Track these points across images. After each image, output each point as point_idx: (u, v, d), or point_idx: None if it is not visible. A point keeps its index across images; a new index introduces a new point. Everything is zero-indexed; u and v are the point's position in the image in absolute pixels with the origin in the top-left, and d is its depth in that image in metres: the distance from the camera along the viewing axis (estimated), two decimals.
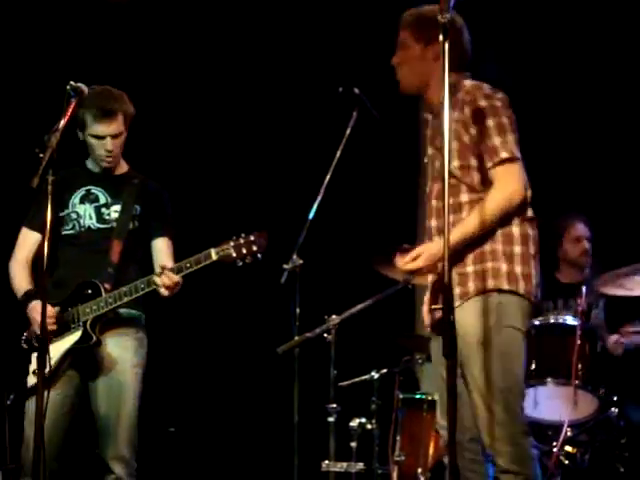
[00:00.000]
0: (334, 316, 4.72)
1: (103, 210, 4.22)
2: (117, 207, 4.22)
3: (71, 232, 4.20)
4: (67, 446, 4.14)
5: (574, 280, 5.47)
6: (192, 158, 6.32)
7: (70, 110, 3.52)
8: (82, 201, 4.22)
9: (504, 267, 3.45)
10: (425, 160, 3.73)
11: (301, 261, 4.76)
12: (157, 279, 4.00)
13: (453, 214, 3.46)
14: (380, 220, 6.06)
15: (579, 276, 5.47)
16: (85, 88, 3.59)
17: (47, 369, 3.86)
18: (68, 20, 5.88)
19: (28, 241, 4.26)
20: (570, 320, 4.79)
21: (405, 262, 3.52)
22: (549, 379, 4.70)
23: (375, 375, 5.09)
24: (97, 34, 5.98)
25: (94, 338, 4.05)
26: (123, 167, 4.33)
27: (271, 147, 6.27)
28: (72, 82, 3.58)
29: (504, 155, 3.42)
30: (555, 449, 4.51)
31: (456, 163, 3.51)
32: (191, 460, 6.20)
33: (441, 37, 3.07)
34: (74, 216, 4.21)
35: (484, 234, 3.45)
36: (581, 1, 5.92)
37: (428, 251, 3.47)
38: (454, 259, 3.36)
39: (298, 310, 4.78)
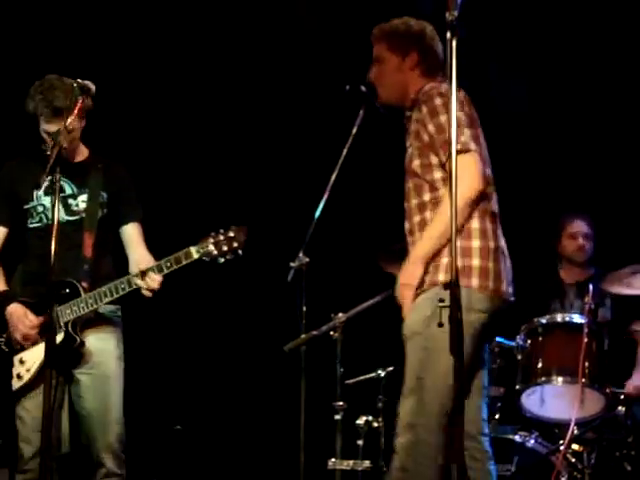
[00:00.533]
0: (340, 314, 4.71)
1: (70, 201, 4.12)
2: (84, 197, 4.13)
3: (38, 225, 4.12)
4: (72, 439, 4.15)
5: (578, 279, 5.47)
6: (198, 156, 6.32)
7: (77, 108, 3.52)
8: (47, 193, 4.07)
9: (459, 262, 3.36)
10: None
11: (308, 259, 4.74)
12: (140, 282, 3.94)
13: (419, 214, 3.58)
14: (386, 218, 6.04)
15: (583, 274, 5.48)
16: (92, 86, 3.59)
17: (28, 375, 3.98)
18: (67, 15, 5.86)
19: None
20: (577, 318, 4.78)
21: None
22: (556, 377, 4.68)
23: (382, 373, 5.09)
24: (97, 29, 5.97)
25: (78, 340, 4.02)
26: (84, 153, 4.22)
27: (278, 145, 6.27)
28: (79, 80, 3.57)
29: (457, 147, 3.33)
30: (562, 447, 4.49)
31: (417, 162, 3.59)
32: (197, 458, 6.20)
33: (448, 35, 3.08)
34: (40, 209, 4.13)
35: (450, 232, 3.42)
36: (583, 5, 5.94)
37: (402, 288, 3.55)
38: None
39: (305, 308, 4.77)
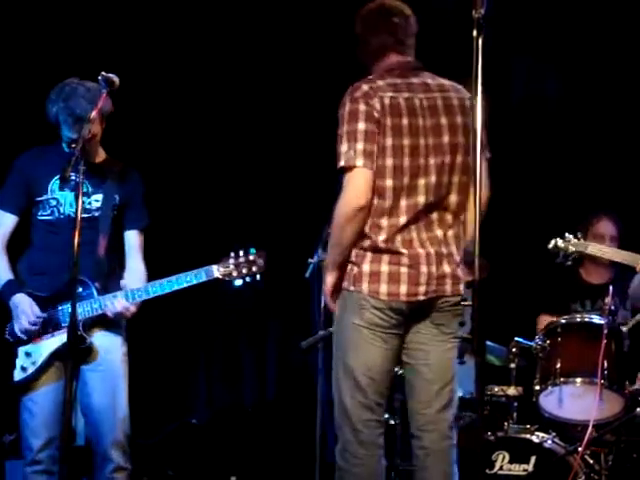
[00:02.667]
0: None
1: (84, 198, 4.06)
2: (98, 196, 4.13)
3: (49, 218, 4.12)
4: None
5: (600, 281, 5.43)
6: (214, 157, 6.32)
7: (102, 101, 3.51)
8: (62, 187, 4.09)
9: (355, 269, 3.56)
10: None
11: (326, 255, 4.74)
12: (109, 304, 3.98)
13: None
14: None
15: (605, 276, 5.43)
16: (116, 79, 3.58)
17: (34, 368, 3.97)
18: (68, 11, 5.86)
19: (4, 223, 4.17)
20: (597, 319, 4.75)
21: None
22: (574, 378, 4.66)
23: (399, 371, 5.07)
24: (96, 26, 5.96)
25: (87, 341, 4.02)
26: (101, 155, 4.22)
27: (295, 141, 6.26)
28: (103, 73, 3.56)
29: (341, 163, 3.51)
30: (580, 449, 4.47)
31: None
32: (213, 453, 6.21)
33: (475, 33, 3.07)
34: (53, 202, 4.12)
35: (342, 245, 3.55)
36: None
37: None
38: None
39: (322, 304, 4.76)
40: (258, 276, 4.00)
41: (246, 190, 6.28)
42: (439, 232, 3.59)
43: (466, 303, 4.40)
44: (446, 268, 3.56)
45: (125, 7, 5.97)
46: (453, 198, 3.60)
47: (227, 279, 3.99)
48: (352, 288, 3.56)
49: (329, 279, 3.64)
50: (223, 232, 5.97)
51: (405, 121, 3.55)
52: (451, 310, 3.59)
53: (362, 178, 3.49)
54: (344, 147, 3.50)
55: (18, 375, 4.02)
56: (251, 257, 3.97)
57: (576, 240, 4.95)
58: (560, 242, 4.94)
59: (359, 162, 3.48)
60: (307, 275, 4.83)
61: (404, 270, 3.53)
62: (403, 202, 3.54)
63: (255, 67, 6.22)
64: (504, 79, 6.14)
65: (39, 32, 5.85)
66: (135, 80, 5.64)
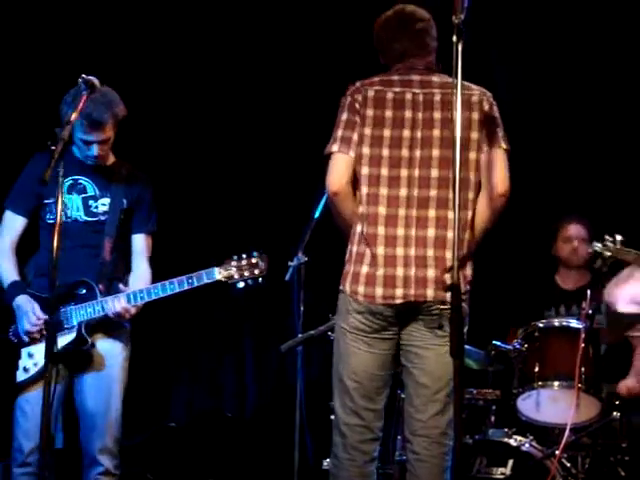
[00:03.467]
0: None
1: (91, 202, 4.16)
2: (105, 200, 4.16)
3: (55, 221, 4.09)
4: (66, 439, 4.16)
5: (574, 286, 5.45)
6: (197, 157, 6.31)
7: (82, 103, 3.51)
8: (69, 191, 4.14)
9: (346, 268, 3.61)
10: None
11: (306, 258, 4.75)
12: (110, 305, 4.00)
13: None
14: None
15: (579, 280, 5.46)
16: (97, 81, 3.59)
17: (36, 369, 3.99)
18: (76, 13, 5.86)
19: (13, 225, 4.19)
20: (574, 323, 4.79)
21: None
22: (552, 382, 4.69)
23: None
24: (103, 29, 5.97)
25: (89, 342, 4.04)
26: (110, 158, 4.26)
27: (278, 144, 6.26)
28: (84, 75, 3.57)
29: (325, 151, 3.62)
30: (557, 452, 4.50)
31: None
32: (191, 455, 6.20)
33: (455, 38, 3.08)
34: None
35: (339, 224, 3.64)
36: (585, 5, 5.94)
37: None
38: None
39: (302, 308, 4.77)
40: (260, 279, 3.99)
41: (230, 192, 6.28)
42: (430, 232, 3.53)
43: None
44: (430, 272, 3.50)
45: (129, 10, 5.97)
46: (449, 195, 3.51)
47: (229, 281, 4.00)
48: (341, 287, 3.61)
49: None
50: (211, 235, 6.00)
51: (389, 113, 3.58)
52: (444, 314, 3.47)
53: (337, 163, 3.58)
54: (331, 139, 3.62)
55: (20, 376, 4.04)
56: (253, 260, 4.00)
57: (612, 245, 4.67)
58: (598, 246, 4.68)
59: (334, 147, 3.58)
60: (287, 278, 4.83)
61: (380, 272, 3.51)
62: (383, 192, 3.53)
63: (261, 75, 6.23)
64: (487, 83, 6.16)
65: (48, 36, 5.85)
66: (143, 85, 5.73)
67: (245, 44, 6.15)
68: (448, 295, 3.16)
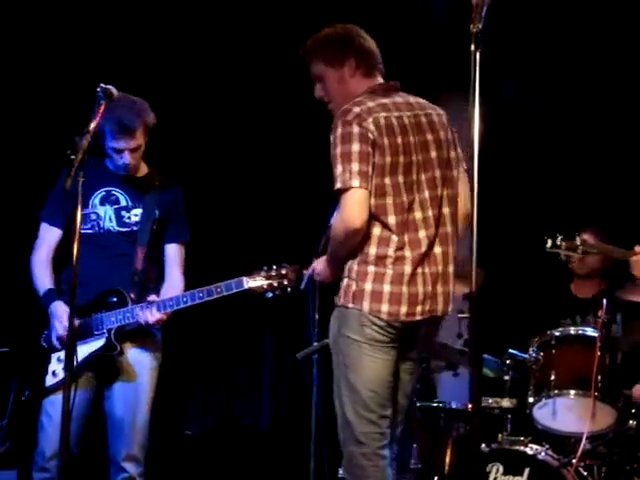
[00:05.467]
0: None
1: (123, 213, 4.23)
2: (137, 211, 4.23)
3: (89, 232, 4.19)
4: (79, 447, 4.16)
5: (589, 294, 5.44)
6: (221, 169, 6.36)
7: (100, 112, 3.54)
8: (102, 202, 4.23)
9: (354, 286, 3.58)
10: None
11: None
12: (139, 313, 4.05)
13: None
14: None
15: (593, 289, 5.45)
16: (115, 90, 3.60)
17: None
18: (94, 21, 5.90)
19: (49, 237, 4.26)
20: (590, 331, 4.78)
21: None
22: (568, 390, 4.68)
23: None
24: (122, 37, 6.00)
25: (118, 349, 4.09)
26: (143, 169, 4.33)
27: (293, 151, 6.28)
28: (102, 84, 3.59)
29: (338, 185, 3.53)
30: (574, 461, 4.49)
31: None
32: (207, 465, 6.20)
33: (472, 47, 3.08)
34: (94, 217, 4.22)
35: (339, 262, 3.61)
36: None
37: (317, 269, 3.73)
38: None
39: (317, 316, 4.77)
40: (289, 289, 4.00)
41: (247, 202, 6.32)
42: (437, 249, 3.63)
43: (463, 315, 4.42)
44: (439, 288, 3.62)
45: (133, 12, 6.00)
46: (446, 211, 3.66)
47: (257, 291, 4.02)
48: (351, 305, 3.58)
49: (330, 274, 3.68)
50: (227, 246, 6.03)
51: (399, 139, 3.59)
52: (436, 328, 3.74)
53: (358, 198, 3.51)
54: (339, 169, 3.52)
55: (50, 380, 4.09)
56: (283, 271, 4.01)
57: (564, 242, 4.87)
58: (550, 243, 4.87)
59: (355, 183, 3.50)
60: (302, 286, 4.83)
61: (405, 290, 3.57)
62: (403, 218, 3.58)
63: (290, 89, 6.25)
64: (496, 93, 6.17)
65: (72, 48, 5.90)
66: (171, 98, 5.78)
67: (267, 56, 6.17)
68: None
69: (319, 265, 3.72)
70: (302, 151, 6.21)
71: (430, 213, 3.62)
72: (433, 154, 3.64)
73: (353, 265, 3.59)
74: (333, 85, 3.75)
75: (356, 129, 3.53)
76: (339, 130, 3.55)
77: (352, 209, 3.51)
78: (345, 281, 3.61)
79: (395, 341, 3.59)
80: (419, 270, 3.58)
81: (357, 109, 3.57)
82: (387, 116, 3.60)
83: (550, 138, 6.17)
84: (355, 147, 3.52)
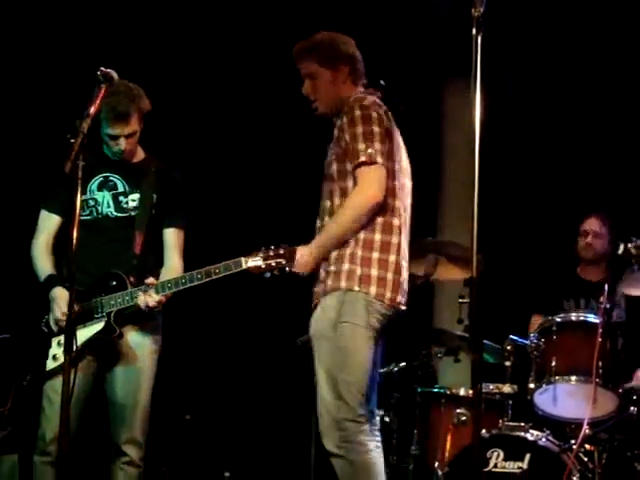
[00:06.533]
0: None
1: (121, 198, 4.24)
2: (135, 196, 4.23)
3: (87, 218, 4.20)
4: (80, 431, 4.17)
5: (596, 278, 5.46)
6: (226, 152, 6.36)
7: (100, 96, 3.53)
8: (100, 188, 4.24)
9: (358, 270, 3.68)
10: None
11: None
12: (140, 297, 4.05)
13: (327, 217, 3.79)
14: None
15: (598, 274, 5.47)
16: (115, 74, 3.60)
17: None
18: (94, 6, 5.89)
19: (48, 224, 4.27)
20: (592, 318, 4.77)
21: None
22: (569, 376, 4.67)
23: (394, 368, 5.09)
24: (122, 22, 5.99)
25: (117, 331, 4.11)
26: (140, 154, 4.33)
27: (294, 134, 6.27)
28: (102, 68, 3.58)
29: (362, 159, 3.66)
30: (574, 447, 4.48)
31: (335, 167, 3.78)
32: (208, 448, 6.21)
33: (474, 31, 3.08)
34: (92, 203, 4.23)
35: (347, 236, 3.69)
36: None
37: (300, 258, 3.77)
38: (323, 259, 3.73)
39: None
40: (287, 269, 4.02)
41: (252, 187, 6.31)
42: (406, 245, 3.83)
43: (463, 300, 4.43)
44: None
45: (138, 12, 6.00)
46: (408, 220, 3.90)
47: (256, 272, 4.02)
48: (357, 288, 3.66)
49: (321, 255, 3.73)
50: (235, 230, 6.04)
51: (395, 129, 3.85)
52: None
53: (382, 174, 3.67)
54: (362, 146, 3.66)
55: (50, 364, 4.11)
56: (281, 251, 4.00)
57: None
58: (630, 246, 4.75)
59: (380, 159, 3.66)
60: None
61: (403, 279, 3.76)
62: (399, 203, 3.77)
63: (272, 64, 6.25)
64: (500, 80, 6.16)
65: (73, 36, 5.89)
66: (172, 83, 5.76)
67: (267, 44, 6.17)
68: None
69: (304, 256, 3.76)
70: (303, 135, 6.20)
71: (407, 202, 3.85)
72: (405, 164, 3.87)
73: (356, 251, 3.67)
74: (325, 85, 3.88)
75: (374, 114, 3.72)
76: (357, 112, 3.71)
77: (378, 183, 3.65)
78: (347, 266, 3.68)
79: (380, 333, 3.74)
80: (404, 261, 3.78)
81: (371, 98, 3.77)
82: (386, 108, 3.83)
83: (553, 120, 6.16)
84: (376, 128, 3.69)
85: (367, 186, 3.65)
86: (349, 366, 3.68)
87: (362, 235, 3.70)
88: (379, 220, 3.70)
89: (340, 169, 3.77)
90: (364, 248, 3.69)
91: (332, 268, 3.73)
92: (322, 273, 3.77)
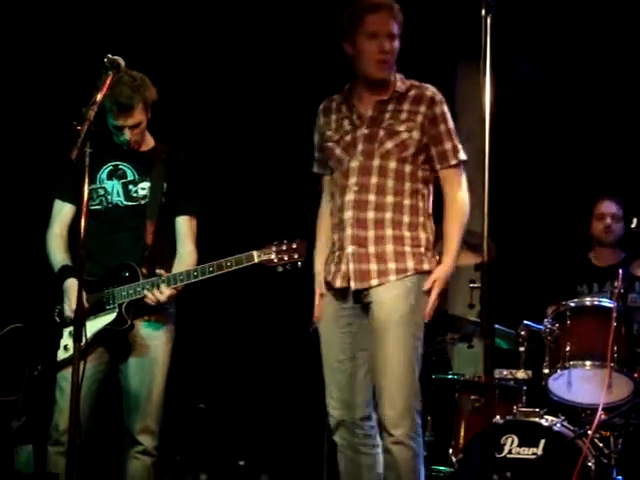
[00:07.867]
0: None
1: (131, 187, 4.21)
2: (145, 184, 4.20)
3: (97, 207, 4.18)
4: (94, 419, 4.18)
5: (608, 263, 5.44)
6: (238, 144, 6.35)
7: (107, 83, 3.52)
8: (110, 177, 4.22)
9: (429, 254, 3.74)
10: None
11: None
12: (149, 294, 4.04)
13: (375, 211, 3.72)
14: None
15: (612, 258, 5.45)
16: (122, 61, 3.58)
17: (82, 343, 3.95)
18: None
19: (62, 213, 4.26)
20: (606, 302, 4.74)
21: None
22: (584, 361, 4.65)
23: None
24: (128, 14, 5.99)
25: (128, 323, 4.08)
26: (149, 142, 4.30)
27: (308, 127, 6.25)
28: (109, 55, 3.57)
29: (462, 157, 3.76)
30: (589, 432, 4.46)
31: (408, 152, 3.75)
32: (221, 438, 6.21)
33: (483, 12, 3.06)
34: (101, 192, 4.21)
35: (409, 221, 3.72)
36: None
37: (439, 279, 3.70)
38: (376, 241, 3.69)
39: None
40: (300, 263, 4.00)
41: (253, 175, 6.29)
42: None
43: (475, 285, 4.41)
44: None
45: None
46: None
47: (268, 265, 4.01)
48: (427, 267, 3.70)
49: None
50: (246, 223, 6.04)
51: None
52: None
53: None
54: (459, 144, 3.78)
55: (61, 354, 4.10)
56: (293, 245, 3.99)
57: None
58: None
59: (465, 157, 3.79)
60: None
61: None
62: None
63: (277, 61, 6.25)
64: (510, 68, 6.13)
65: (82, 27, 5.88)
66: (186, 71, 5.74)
67: (274, 34, 6.16)
68: None
69: (447, 273, 3.74)
70: (304, 127, 6.20)
71: None
72: None
73: (420, 234, 3.73)
74: (397, 51, 3.83)
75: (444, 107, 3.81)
76: (445, 106, 3.78)
77: (466, 184, 3.77)
78: (415, 249, 3.71)
79: None
80: None
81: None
82: None
83: (564, 104, 6.12)
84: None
85: (464, 186, 3.75)
86: (418, 353, 3.69)
87: (422, 219, 3.77)
88: (427, 207, 3.80)
89: (413, 157, 3.75)
90: (424, 231, 3.76)
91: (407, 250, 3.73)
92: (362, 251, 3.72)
